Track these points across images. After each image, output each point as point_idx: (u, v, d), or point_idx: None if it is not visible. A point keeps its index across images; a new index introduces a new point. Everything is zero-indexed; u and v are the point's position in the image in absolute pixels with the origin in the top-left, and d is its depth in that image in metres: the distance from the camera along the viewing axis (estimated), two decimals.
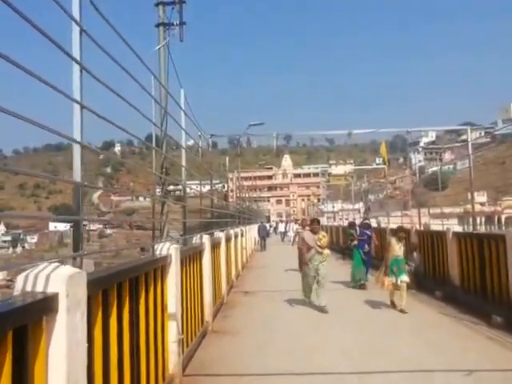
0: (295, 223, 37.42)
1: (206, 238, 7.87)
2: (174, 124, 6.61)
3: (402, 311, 8.72)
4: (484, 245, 8.53)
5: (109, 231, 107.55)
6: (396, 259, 9.11)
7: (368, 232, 12.86)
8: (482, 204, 43.22)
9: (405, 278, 9.03)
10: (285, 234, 37.02)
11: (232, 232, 13.76)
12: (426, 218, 14.92)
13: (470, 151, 9.76)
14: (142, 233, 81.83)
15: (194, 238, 7.51)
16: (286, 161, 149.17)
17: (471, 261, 9.13)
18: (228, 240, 12.20)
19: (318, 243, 9.58)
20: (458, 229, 16.51)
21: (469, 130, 10.95)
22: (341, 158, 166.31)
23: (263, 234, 29.43)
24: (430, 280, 11.42)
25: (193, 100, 7.57)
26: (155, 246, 4.75)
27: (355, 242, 12.90)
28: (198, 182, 9.48)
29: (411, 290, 10.15)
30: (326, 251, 9.76)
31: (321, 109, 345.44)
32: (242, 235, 17.74)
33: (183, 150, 6.83)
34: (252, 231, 28.20)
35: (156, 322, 4.46)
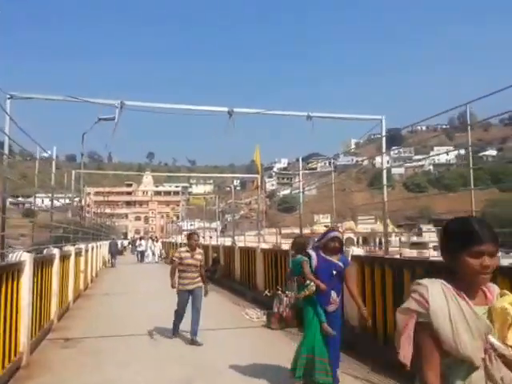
0: (152, 240, 36.27)
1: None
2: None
3: None
4: None
5: None
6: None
7: (338, 262, 5.46)
8: (327, 226, 45.94)
9: None
10: (142, 253, 32.73)
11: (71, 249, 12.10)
12: (278, 237, 15.16)
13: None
14: None
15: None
16: (147, 178, 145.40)
17: None
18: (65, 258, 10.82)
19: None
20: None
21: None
22: (201, 177, 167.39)
23: (113, 251, 28.53)
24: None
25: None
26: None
27: (310, 288, 5.31)
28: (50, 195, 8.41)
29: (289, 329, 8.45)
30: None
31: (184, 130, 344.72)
32: (87, 252, 16.07)
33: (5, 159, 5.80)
34: (104, 248, 27.36)
35: None
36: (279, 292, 9.28)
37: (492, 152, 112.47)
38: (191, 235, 8.06)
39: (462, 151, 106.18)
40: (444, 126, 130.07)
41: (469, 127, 5.50)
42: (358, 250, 7.78)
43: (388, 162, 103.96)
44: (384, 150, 7.11)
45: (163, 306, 9.42)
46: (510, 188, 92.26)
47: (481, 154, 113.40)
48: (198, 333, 7.59)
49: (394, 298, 6.27)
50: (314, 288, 5.19)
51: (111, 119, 18.88)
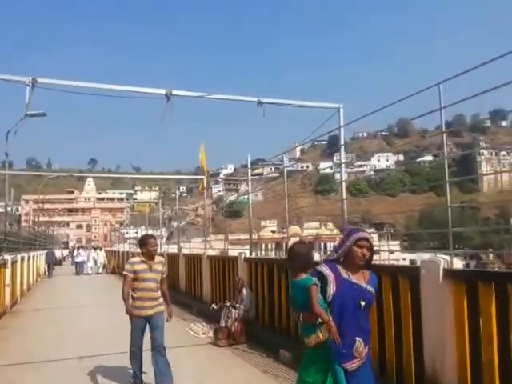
0: (95, 249, 34.26)
1: None
2: None
3: None
4: (273, 271, 7.85)
5: None
6: None
7: (368, 286, 3.36)
8: (273, 231, 45.86)
9: None
10: (81, 264, 29.33)
11: None
12: (225, 243, 14.47)
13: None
14: None
15: None
16: (89, 185, 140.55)
17: (261, 288, 8.41)
18: None
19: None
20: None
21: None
22: (146, 184, 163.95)
23: (50, 262, 27.12)
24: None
25: None
26: None
27: (321, 332, 3.24)
28: None
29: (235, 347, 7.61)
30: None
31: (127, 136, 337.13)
32: (15, 263, 14.59)
33: None
34: (40, 258, 25.93)
35: None
36: (227, 304, 8.54)
37: (428, 157, 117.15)
38: (147, 239, 5.79)
39: (401, 157, 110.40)
40: (383, 133, 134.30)
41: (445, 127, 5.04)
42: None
43: (331, 167, 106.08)
44: (342, 142, 6.57)
45: (103, 323, 8.37)
46: (444, 192, 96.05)
47: (418, 159, 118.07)
48: None
49: None
50: (327, 334, 3.19)
51: (41, 115, 16.81)
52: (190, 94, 7.29)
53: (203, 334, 8.78)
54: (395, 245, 71.71)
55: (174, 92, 6.86)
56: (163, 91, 6.82)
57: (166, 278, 5.91)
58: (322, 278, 3.25)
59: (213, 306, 9.18)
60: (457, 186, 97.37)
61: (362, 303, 3.23)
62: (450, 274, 4.19)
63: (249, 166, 10.79)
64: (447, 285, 4.17)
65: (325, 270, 3.28)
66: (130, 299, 5.60)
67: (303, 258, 3.40)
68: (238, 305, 8.33)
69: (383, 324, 5.09)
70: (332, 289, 3.22)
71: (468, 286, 4.04)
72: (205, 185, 14.70)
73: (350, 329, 3.20)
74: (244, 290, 8.48)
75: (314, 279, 3.23)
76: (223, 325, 8.21)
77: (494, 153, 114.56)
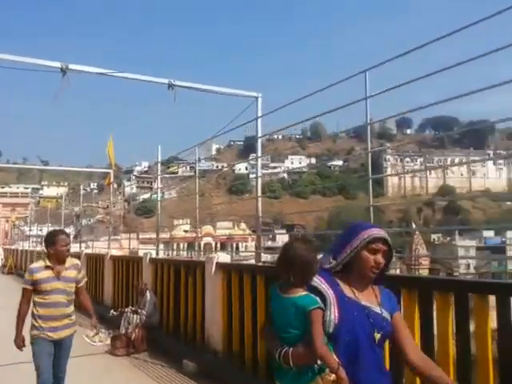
0: None
1: None
2: None
3: None
4: (181, 273, 7.18)
5: None
6: None
7: (381, 310, 2.20)
8: (186, 231, 45.00)
9: None
10: None
11: None
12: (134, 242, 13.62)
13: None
14: None
15: None
16: None
17: (166, 292, 7.72)
18: None
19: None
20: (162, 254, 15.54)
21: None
22: (54, 179, 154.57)
23: None
24: None
25: None
26: None
27: (325, 380, 2.01)
28: None
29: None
30: None
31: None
32: None
33: None
34: None
35: None
36: (127, 309, 7.75)
37: (339, 162, 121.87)
38: (56, 236, 4.39)
39: (314, 160, 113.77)
40: (297, 136, 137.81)
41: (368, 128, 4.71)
42: (223, 256, 6.54)
43: (246, 168, 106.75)
44: (260, 135, 6.07)
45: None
46: (353, 195, 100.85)
47: (329, 163, 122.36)
48: None
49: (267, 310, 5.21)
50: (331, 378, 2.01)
51: None
52: (90, 69, 6.28)
53: (100, 341, 7.89)
54: None
55: (71, 66, 5.94)
56: (58, 64, 5.87)
57: (85, 287, 4.73)
58: (322, 298, 2.11)
59: (112, 311, 8.34)
60: (364, 189, 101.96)
61: (377, 336, 2.13)
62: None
63: (159, 159, 10.02)
64: None
65: (321, 285, 2.12)
66: (31, 319, 4.22)
67: (306, 264, 2.11)
68: (140, 310, 7.59)
69: None
70: (333, 315, 2.08)
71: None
72: (111, 179, 13.63)
73: (364, 375, 2.07)
74: (148, 294, 7.76)
75: (318, 300, 2.07)
76: (123, 332, 7.43)
77: (399, 159, 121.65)
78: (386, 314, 2.19)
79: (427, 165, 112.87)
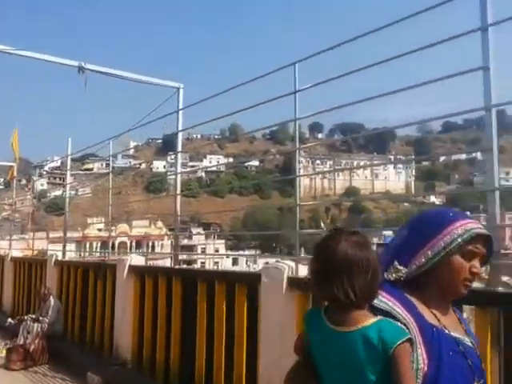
0: None
1: None
2: None
3: None
4: (89, 277, 6.44)
5: None
6: None
7: (476, 352, 1.39)
8: (100, 230, 42.88)
9: None
10: None
11: None
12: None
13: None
14: None
15: None
16: None
17: (72, 298, 6.91)
18: None
19: None
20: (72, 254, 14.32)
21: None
22: None
23: None
24: None
25: None
26: None
27: None
28: None
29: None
30: None
31: None
32: None
33: None
34: None
35: None
36: (28, 317, 6.80)
37: (255, 163, 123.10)
38: None
39: (231, 160, 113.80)
40: (216, 136, 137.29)
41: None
42: (137, 258, 5.87)
43: (165, 166, 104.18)
44: (180, 128, 5.47)
45: None
46: (268, 195, 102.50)
47: (246, 163, 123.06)
48: None
49: (182, 318, 4.68)
50: None
51: None
52: None
53: None
54: (220, 243, 73.72)
55: None
56: None
57: None
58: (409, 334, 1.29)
59: (9, 319, 7.31)
60: (277, 190, 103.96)
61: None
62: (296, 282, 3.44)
63: (69, 153, 9.05)
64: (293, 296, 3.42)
65: (393, 307, 1.31)
66: None
67: (371, 271, 1.26)
68: (41, 317, 6.68)
69: (213, 342, 4.20)
70: (421, 358, 1.27)
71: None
72: (15, 173, 12.30)
73: None
74: (51, 299, 6.86)
75: (403, 327, 1.26)
76: (21, 342, 6.47)
77: (310, 161, 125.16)
78: (477, 351, 1.41)
79: (336, 167, 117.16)
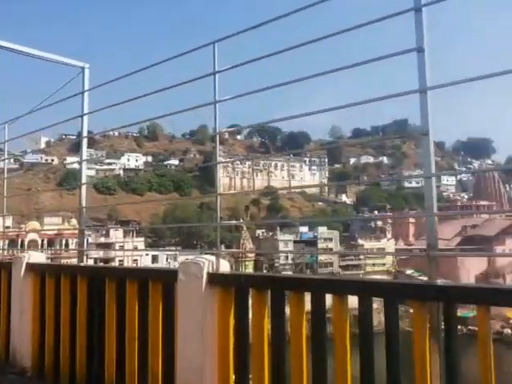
0: None
1: None
2: None
3: None
4: None
5: None
6: None
7: None
8: (8, 227, 39.80)
9: None
10: None
11: None
12: None
13: None
14: None
15: None
16: None
17: None
18: None
19: None
20: None
21: None
22: None
23: None
24: None
25: None
26: None
27: None
28: None
29: None
30: None
31: None
32: None
33: None
34: None
35: None
36: None
37: (175, 161, 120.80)
38: None
39: (150, 158, 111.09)
40: (134, 134, 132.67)
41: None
42: (37, 256, 5.12)
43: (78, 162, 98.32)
44: (86, 111, 4.80)
45: None
46: (188, 193, 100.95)
47: (166, 162, 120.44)
48: None
49: (89, 320, 4.11)
50: None
51: None
52: None
53: None
54: (140, 241, 71.30)
55: None
56: None
57: None
58: None
59: None
60: (197, 188, 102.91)
61: None
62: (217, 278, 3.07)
63: None
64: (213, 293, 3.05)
65: None
66: None
67: None
68: None
69: (124, 346, 3.71)
70: None
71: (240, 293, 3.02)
72: None
73: None
74: None
75: None
76: None
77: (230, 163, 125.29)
78: None
79: (254, 167, 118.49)
